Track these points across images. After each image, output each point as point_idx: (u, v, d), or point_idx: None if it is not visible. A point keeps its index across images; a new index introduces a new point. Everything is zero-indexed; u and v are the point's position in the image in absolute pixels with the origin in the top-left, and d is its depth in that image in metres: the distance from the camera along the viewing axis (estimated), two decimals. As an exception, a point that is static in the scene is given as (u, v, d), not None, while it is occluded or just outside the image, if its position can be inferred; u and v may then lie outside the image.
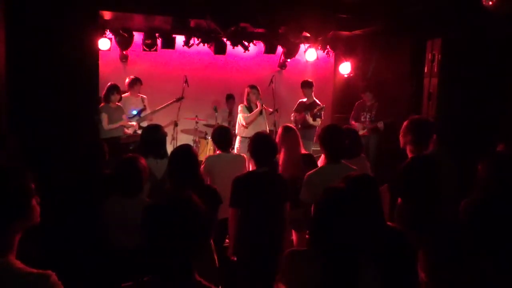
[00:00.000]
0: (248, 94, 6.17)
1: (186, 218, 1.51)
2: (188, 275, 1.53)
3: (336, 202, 1.90)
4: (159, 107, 6.70)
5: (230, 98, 7.80)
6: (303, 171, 3.46)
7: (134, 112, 6.51)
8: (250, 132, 5.73)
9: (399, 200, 2.67)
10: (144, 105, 6.65)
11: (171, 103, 6.78)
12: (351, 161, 3.45)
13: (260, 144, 3.32)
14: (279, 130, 4.07)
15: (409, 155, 3.35)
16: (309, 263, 1.87)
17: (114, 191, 2.92)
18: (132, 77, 6.62)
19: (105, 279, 2.78)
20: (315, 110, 6.54)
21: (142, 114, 6.58)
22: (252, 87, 6.18)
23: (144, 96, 6.70)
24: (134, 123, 6.37)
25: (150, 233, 1.51)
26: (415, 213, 2.46)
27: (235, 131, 6.54)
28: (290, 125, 4.18)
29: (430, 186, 2.49)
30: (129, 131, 6.27)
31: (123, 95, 6.62)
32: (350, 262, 1.83)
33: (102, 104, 5.93)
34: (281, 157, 3.87)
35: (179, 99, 6.77)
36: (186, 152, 3.03)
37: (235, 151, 6.14)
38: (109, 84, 6.01)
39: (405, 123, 3.48)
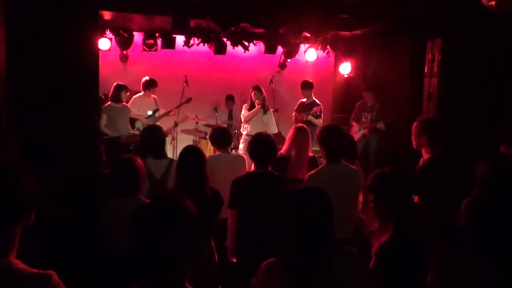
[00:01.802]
0: (252, 95, 6.29)
1: (178, 223, 1.43)
2: (177, 283, 1.45)
3: (300, 206, 1.82)
4: (172, 108, 6.73)
5: (229, 100, 7.80)
6: (308, 172, 3.46)
7: (149, 113, 6.55)
8: (252, 131, 5.77)
9: (416, 198, 2.67)
10: (157, 106, 6.68)
11: (182, 104, 6.81)
12: None
13: (260, 145, 3.32)
14: (292, 130, 4.08)
15: (425, 156, 3.36)
16: (275, 272, 1.83)
17: (113, 191, 2.92)
18: (147, 78, 6.66)
19: (105, 279, 2.78)
20: (314, 110, 6.55)
21: (157, 115, 6.60)
22: (255, 88, 6.26)
23: (155, 97, 6.74)
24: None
25: (138, 237, 1.43)
26: (433, 212, 2.47)
27: (237, 130, 6.59)
28: (303, 125, 4.20)
29: (448, 185, 2.49)
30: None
31: (136, 95, 6.66)
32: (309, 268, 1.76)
33: (106, 104, 5.94)
34: (292, 157, 3.87)
35: (188, 100, 6.81)
36: (195, 153, 3.07)
37: (240, 151, 6.18)
38: (116, 84, 6.03)
39: (416, 125, 3.48)
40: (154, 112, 6.60)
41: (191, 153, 3.10)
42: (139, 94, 6.70)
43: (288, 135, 4.11)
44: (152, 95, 6.71)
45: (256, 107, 6.12)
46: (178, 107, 6.80)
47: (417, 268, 2.08)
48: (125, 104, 6.13)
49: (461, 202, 2.54)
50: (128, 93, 6.17)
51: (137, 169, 2.90)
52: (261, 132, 3.61)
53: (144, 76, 6.78)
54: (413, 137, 3.50)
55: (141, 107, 6.57)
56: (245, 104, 6.38)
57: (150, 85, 6.64)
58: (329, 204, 1.85)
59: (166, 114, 6.69)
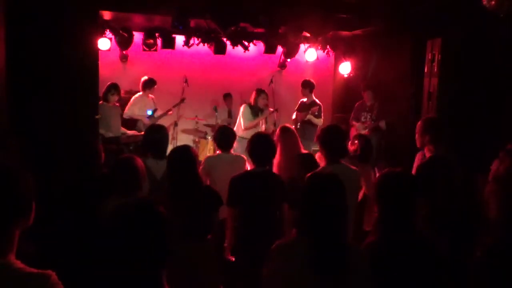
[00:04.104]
0: (256, 97, 6.17)
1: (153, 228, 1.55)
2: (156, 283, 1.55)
3: (321, 189, 1.99)
4: (168, 109, 6.74)
5: (227, 97, 7.79)
6: (299, 171, 3.44)
7: (149, 113, 6.55)
8: (249, 133, 5.72)
9: None
10: (155, 106, 6.68)
11: (177, 104, 6.82)
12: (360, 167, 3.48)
13: (259, 144, 3.32)
14: (277, 131, 4.06)
15: (427, 154, 3.39)
16: (293, 249, 1.93)
17: (113, 190, 2.92)
18: (146, 78, 6.65)
19: (104, 278, 2.77)
20: (312, 109, 6.54)
21: (156, 115, 6.59)
22: (261, 91, 6.19)
23: (153, 96, 6.73)
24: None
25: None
26: (432, 210, 2.47)
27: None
28: (288, 125, 4.17)
29: (448, 184, 2.49)
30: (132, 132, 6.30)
31: (136, 95, 6.65)
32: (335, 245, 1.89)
33: (99, 103, 5.93)
34: (277, 157, 3.84)
35: (182, 101, 6.82)
36: (183, 153, 3.02)
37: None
38: (108, 83, 6.02)
39: (420, 123, 3.54)
40: (154, 111, 6.60)
41: (179, 154, 3.02)
42: (139, 94, 6.69)
43: (275, 136, 4.06)
44: (150, 95, 6.71)
45: (264, 115, 6.17)
46: (175, 106, 6.81)
47: (404, 271, 2.03)
48: (116, 104, 6.11)
49: (456, 203, 2.54)
50: (115, 94, 6.01)
51: (137, 168, 2.90)
52: (259, 132, 3.61)
53: (144, 76, 6.78)
54: (416, 136, 3.56)
55: (142, 107, 6.57)
56: (245, 105, 6.24)
57: (150, 84, 6.64)
58: (344, 189, 2.04)
59: (165, 114, 6.70)
